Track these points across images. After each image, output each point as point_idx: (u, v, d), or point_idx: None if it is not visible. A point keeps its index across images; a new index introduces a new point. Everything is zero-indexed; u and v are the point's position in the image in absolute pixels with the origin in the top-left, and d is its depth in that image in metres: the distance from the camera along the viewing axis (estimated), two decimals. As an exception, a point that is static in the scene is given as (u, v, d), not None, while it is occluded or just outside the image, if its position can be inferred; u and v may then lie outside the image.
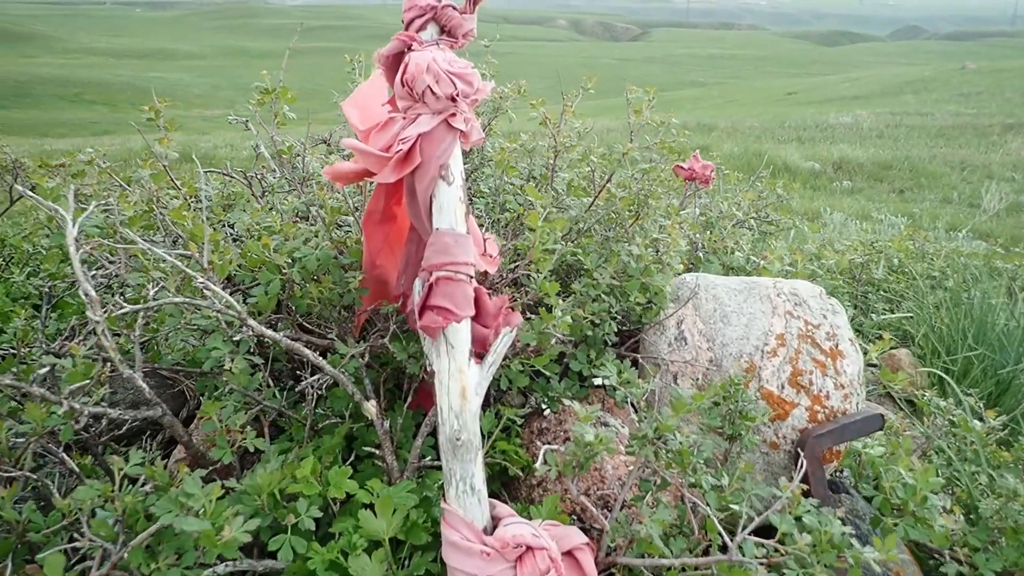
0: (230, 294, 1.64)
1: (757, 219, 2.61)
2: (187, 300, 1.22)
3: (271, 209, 1.95)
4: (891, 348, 3.13)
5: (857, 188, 12.18)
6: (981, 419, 2.22)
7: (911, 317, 3.67)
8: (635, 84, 2.02)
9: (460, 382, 1.30)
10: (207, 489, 1.18)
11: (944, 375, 2.85)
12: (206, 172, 1.99)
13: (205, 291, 1.21)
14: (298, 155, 1.88)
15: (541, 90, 2.22)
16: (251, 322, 1.25)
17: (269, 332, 1.27)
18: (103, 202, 1.50)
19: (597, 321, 1.78)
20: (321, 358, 1.50)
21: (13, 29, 58.42)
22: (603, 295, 1.81)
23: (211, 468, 1.37)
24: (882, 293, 3.91)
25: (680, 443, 1.39)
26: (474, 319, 1.39)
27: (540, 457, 1.24)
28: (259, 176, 2.05)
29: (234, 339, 1.30)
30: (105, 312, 1.49)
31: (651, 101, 1.95)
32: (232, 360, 1.31)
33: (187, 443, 1.39)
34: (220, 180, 2.62)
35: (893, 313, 3.74)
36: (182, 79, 41.86)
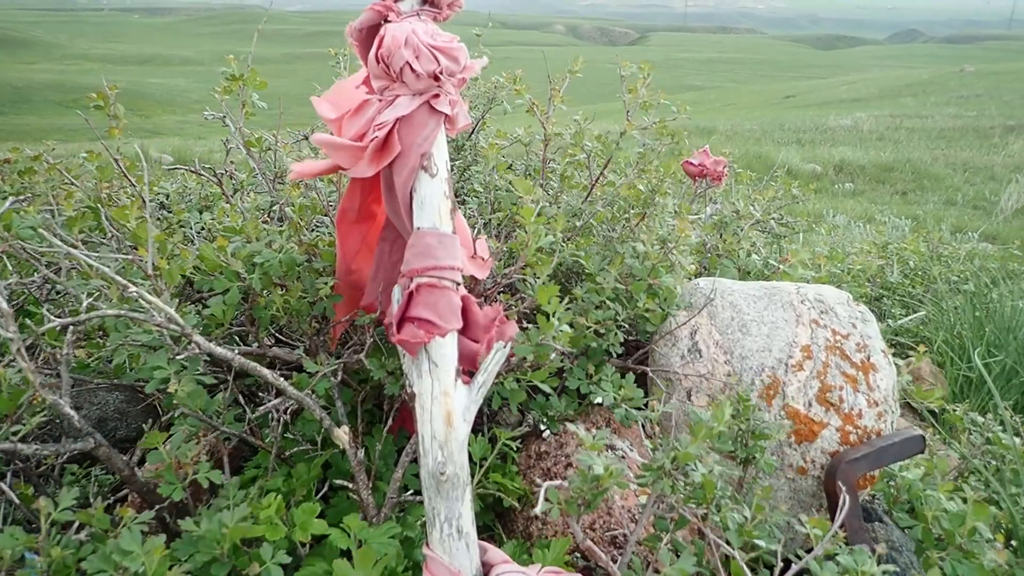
0: (188, 303, 1.46)
1: (773, 220, 2.43)
2: (122, 313, 1.03)
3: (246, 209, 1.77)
4: (912, 355, 2.95)
5: (859, 190, 12.04)
6: (1018, 434, 2.04)
7: (928, 322, 3.49)
8: (634, 88, 1.84)
9: (445, 406, 1.12)
10: (149, 544, 1.00)
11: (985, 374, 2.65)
12: (170, 169, 1.80)
13: (143, 302, 1.02)
14: (269, 149, 1.70)
15: (538, 94, 2.04)
16: (197, 338, 1.07)
17: (219, 350, 1.09)
18: (20, 199, 1.31)
19: (601, 331, 1.60)
20: (287, 377, 1.32)
21: (11, 35, 58.28)
22: (607, 301, 1.62)
23: (159, 507, 1.18)
24: (897, 297, 3.73)
25: (703, 475, 1.21)
26: (462, 332, 1.20)
27: (540, 496, 1.05)
28: (228, 173, 1.86)
29: (179, 357, 1.11)
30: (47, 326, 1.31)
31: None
32: (180, 381, 1.12)
33: (129, 478, 1.20)
34: (198, 180, 2.43)
35: (909, 318, 3.55)
36: (179, 84, 41.70)
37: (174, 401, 1.18)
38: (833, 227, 6.03)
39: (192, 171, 1.99)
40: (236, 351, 1.18)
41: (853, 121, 18.09)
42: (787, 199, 2.78)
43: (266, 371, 1.13)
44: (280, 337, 1.79)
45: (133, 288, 1.00)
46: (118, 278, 1.03)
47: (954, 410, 2.03)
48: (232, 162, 1.84)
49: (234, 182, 1.85)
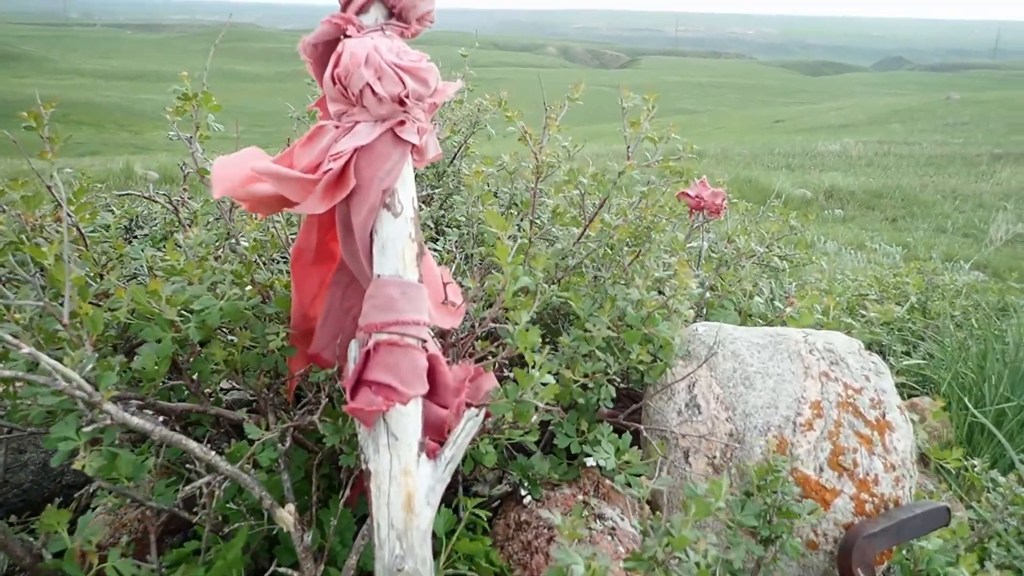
0: (118, 354, 1.29)
1: (768, 253, 2.28)
2: (16, 375, 0.86)
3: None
4: (915, 396, 2.80)
5: (849, 216, 12.04)
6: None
7: (930, 359, 3.34)
8: (636, 121, 1.70)
9: (405, 488, 0.95)
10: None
11: (993, 427, 2.50)
12: (121, 195, 1.63)
13: (40, 361, 0.85)
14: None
15: (531, 116, 1.90)
16: (108, 407, 0.90)
17: (135, 420, 0.92)
18: None
19: (590, 384, 1.43)
20: (233, 436, 1.14)
21: (3, 49, 57.97)
22: (598, 351, 1.46)
23: (62, 601, 1.00)
24: (897, 334, 3.58)
25: (698, 563, 1.04)
26: (428, 397, 1.04)
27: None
28: (182, 201, 1.70)
29: (88, 429, 0.93)
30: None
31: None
32: (88, 454, 0.94)
33: (31, 567, 1.02)
34: (163, 207, 2.26)
35: (910, 356, 3.40)
36: (170, 101, 41.49)
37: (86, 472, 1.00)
38: (831, 259, 5.89)
39: (146, 197, 1.82)
40: (160, 421, 1.01)
41: (842, 147, 18.19)
42: (784, 230, 2.64)
43: (193, 444, 0.96)
44: (236, 386, 1.61)
45: (26, 347, 0.83)
46: (7, 336, 0.86)
47: (973, 467, 1.87)
48: (186, 188, 1.68)
49: (187, 209, 1.68)
